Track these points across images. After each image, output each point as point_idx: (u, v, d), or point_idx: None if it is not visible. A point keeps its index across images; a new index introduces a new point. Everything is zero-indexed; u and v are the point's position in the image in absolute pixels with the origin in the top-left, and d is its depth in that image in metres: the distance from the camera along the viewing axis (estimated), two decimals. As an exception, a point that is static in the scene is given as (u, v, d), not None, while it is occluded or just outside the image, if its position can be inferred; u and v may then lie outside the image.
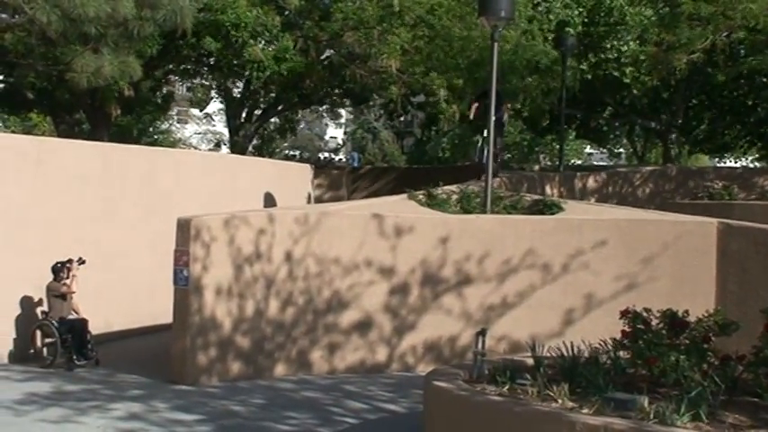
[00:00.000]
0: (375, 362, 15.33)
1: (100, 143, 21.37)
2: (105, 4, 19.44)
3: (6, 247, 15.38)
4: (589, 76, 30.66)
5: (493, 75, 17.72)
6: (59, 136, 30.79)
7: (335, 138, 75.61)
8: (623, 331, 9.79)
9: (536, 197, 18.95)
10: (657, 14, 30.29)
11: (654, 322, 9.70)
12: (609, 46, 30.31)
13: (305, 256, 14.92)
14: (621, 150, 55.60)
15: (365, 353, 15.29)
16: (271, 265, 14.69)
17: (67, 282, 15.35)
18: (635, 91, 32.07)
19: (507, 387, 9.02)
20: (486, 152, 18.50)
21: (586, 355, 10.02)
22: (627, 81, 30.60)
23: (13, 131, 41.61)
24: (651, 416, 7.71)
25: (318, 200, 27.63)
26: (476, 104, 21.25)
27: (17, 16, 22.53)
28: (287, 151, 61.40)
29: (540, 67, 28.31)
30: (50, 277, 15.37)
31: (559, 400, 8.40)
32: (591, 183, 28.72)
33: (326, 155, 67.15)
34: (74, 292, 15.37)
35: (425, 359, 15.38)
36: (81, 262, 15.54)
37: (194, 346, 14.07)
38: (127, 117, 33.33)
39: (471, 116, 21.75)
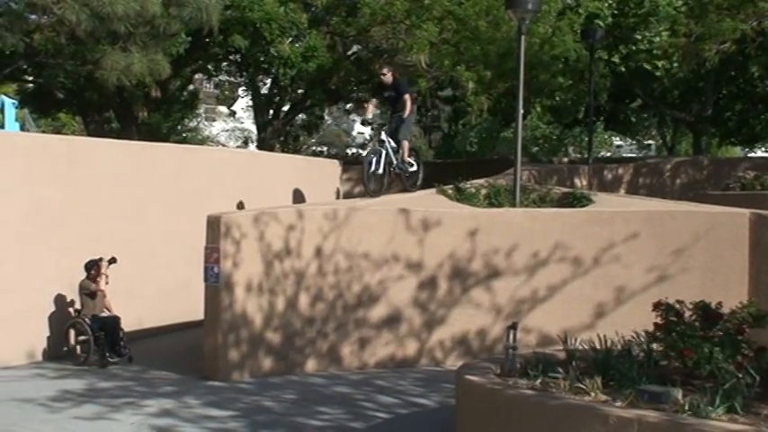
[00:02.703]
0: (405, 356, 15.33)
1: (130, 142, 21.42)
2: (134, 2, 19.58)
3: (39, 245, 15.47)
4: (623, 69, 30.50)
5: (520, 68, 17.68)
6: (89, 135, 30.94)
7: (363, 133, 75.58)
8: (656, 324, 9.75)
9: (565, 190, 18.87)
10: (687, 4, 30.09)
11: (687, 314, 9.65)
12: (640, 37, 30.12)
13: (334, 252, 14.94)
14: (651, 142, 55.33)
15: (395, 347, 15.30)
16: (300, 260, 14.72)
17: (97, 280, 15.44)
18: (665, 82, 31.86)
19: (539, 381, 9.00)
20: (390, 164, 17.21)
21: (619, 347, 9.98)
22: (658, 74, 30.39)
23: (43, 131, 41.82)
24: (685, 408, 7.68)
25: (347, 195, 27.60)
26: (372, 101, 18.78)
27: (46, 17, 22.66)
28: (314, 147, 61.44)
29: (570, 65, 28.22)
30: (83, 275, 15.46)
31: (592, 394, 8.37)
32: (620, 174, 28.59)
33: (354, 150, 67.11)
34: (102, 290, 15.44)
35: (455, 353, 15.38)
36: (112, 261, 15.61)
37: (226, 343, 14.12)
38: (156, 115, 33.44)
39: (369, 115, 19.03)
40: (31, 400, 12.44)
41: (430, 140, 57.20)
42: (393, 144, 17.37)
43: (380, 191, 17.05)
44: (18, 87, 36.96)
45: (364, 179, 16.88)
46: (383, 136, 17.36)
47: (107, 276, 15.55)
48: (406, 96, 17.31)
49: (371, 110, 18.59)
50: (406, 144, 17.59)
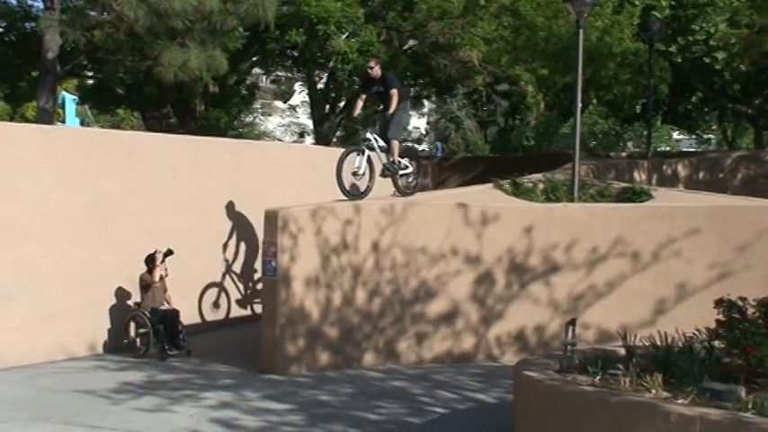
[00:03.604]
0: (462, 351, 15.28)
1: (188, 137, 21.62)
2: (191, -2, 19.73)
3: (100, 239, 15.66)
4: (679, 60, 30.12)
5: (578, 62, 17.55)
6: (147, 130, 31.26)
7: (418, 128, 75.54)
8: (718, 320, 9.61)
9: (624, 185, 18.70)
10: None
11: (749, 311, 9.50)
12: (697, 28, 29.71)
13: (391, 246, 14.93)
14: (711, 136, 54.64)
15: (452, 342, 15.26)
16: (357, 255, 14.73)
17: (153, 273, 15.58)
18: (726, 75, 31.39)
19: (599, 377, 8.92)
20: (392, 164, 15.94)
21: (679, 344, 9.86)
22: (718, 66, 29.95)
23: (102, 127, 42.29)
24: (749, 406, 7.57)
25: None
26: (362, 96, 16.92)
27: (106, 13, 22.92)
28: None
29: (628, 58, 27.96)
30: (143, 268, 15.61)
31: (653, 391, 8.28)
32: (680, 169, 28.26)
33: (410, 145, 67.20)
34: (156, 283, 15.56)
35: (512, 349, 15.30)
36: (168, 253, 15.74)
37: (283, 336, 14.18)
38: (213, 110, 33.68)
39: (355, 112, 17.85)
40: (92, 391, 12.59)
41: (486, 135, 57.02)
42: (382, 143, 15.97)
43: (362, 193, 15.54)
44: (78, 83, 37.49)
45: (337, 179, 15.11)
46: (368, 134, 16.09)
47: (166, 269, 15.69)
48: (393, 91, 15.68)
49: (359, 107, 17.02)
50: (395, 143, 16.03)
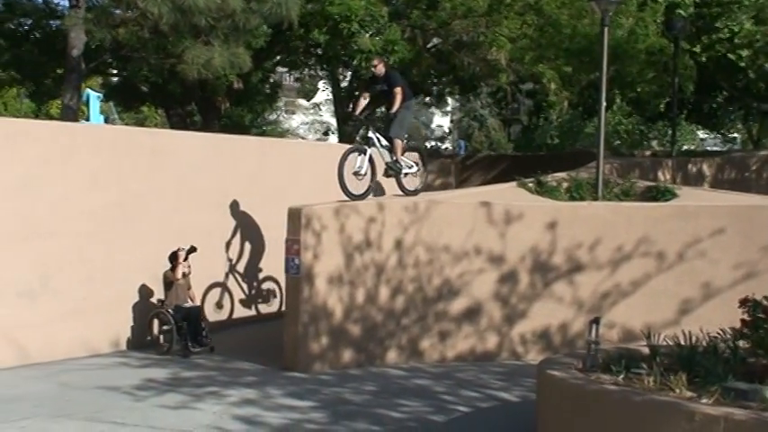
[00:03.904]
0: (485, 350, 15.27)
1: (212, 134, 21.65)
2: (214, -4, 19.77)
3: (124, 236, 15.72)
4: (703, 59, 29.96)
5: (603, 61, 17.49)
6: (171, 128, 31.36)
7: (442, 126, 75.45)
8: (742, 320, 9.55)
9: (649, 183, 18.62)
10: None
11: (775, 311, 9.45)
12: (722, 26, 29.54)
13: (414, 244, 14.92)
14: (736, 135, 54.32)
15: (475, 341, 15.24)
16: (381, 253, 14.73)
17: (175, 270, 15.63)
18: (751, 74, 31.19)
19: (622, 376, 8.87)
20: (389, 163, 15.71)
21: (704, 344, 9.80)
22: (742, 65, 29.77)
23: (126, 124, 42.48)
24: (774, 406, 7.52)
25: (427, 188, 27.56)
26: (365, 95, 16.67)
27: (130, 11, 23.00)
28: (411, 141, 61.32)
29: (653, 56, 27.84)
30: (167, 266, 15.66)
31: (677, 390, 8.22)
32: (705, 168, 28.15)
33: (433, 143, 67.02)
34: (179, 280, 15.60)
35: (536, 348, 15.28)
36: (191, 250, 15.78)
37: (306, 334, 14.20)
38: (237, 108, 33.78)
39: (357, 111, 17.13)
40: (115, 388, 12.64)
41: (509, 133, 56.93)
42: (385, 142, 15.76)
43: (365, 194, 15.22)
44: (103, 81, 37.65)
45: (339, 180, 14.75)
46: (370, 133, 15.71)
47: (189, 266, 15.74)
48: (397, 90, 15.48)
49: (362, 105, 16.66)
50: (398, 143, 15.74)
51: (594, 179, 17.34)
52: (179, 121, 32.74)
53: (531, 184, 17.37)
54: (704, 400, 7.85)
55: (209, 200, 17.27)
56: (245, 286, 18.00)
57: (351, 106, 35.47)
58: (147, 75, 29.55)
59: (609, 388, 8.56)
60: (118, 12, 23.88)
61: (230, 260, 17.63)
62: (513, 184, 17.71)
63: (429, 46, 31.33)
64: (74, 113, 23.14)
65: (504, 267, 15.31)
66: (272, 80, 37.41)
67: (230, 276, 17.74)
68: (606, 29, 17.56)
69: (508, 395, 12.75)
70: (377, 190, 16.40)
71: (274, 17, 22.29)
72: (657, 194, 17.16)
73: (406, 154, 16.18)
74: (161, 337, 15.72)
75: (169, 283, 15.65)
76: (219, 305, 17.60)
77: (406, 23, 29.43)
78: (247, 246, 17.87)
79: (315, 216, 14.28)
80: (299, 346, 14.21)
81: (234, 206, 17.64)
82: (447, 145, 65.75)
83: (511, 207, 15.47)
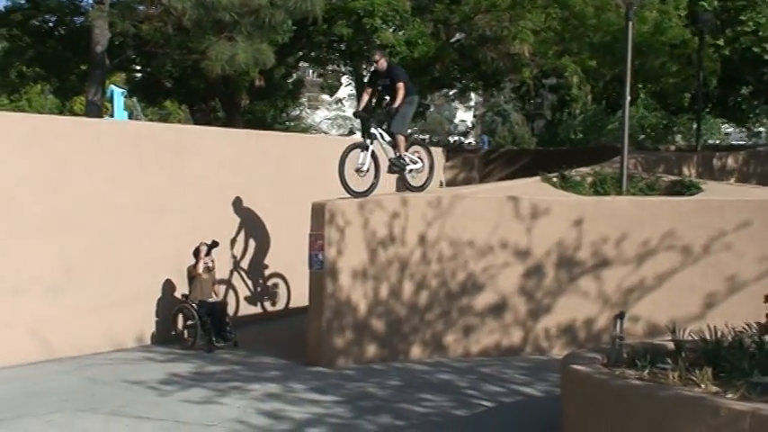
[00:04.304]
0: (509, 344, 15.22)
1: (235, 130, 21.70)
2: (238, -9, 19.79)
3: (149, 232, 15.77)
4: (726, 52, 29.78)
5: (628, 55, 17.41)
6: (195, 124, 31.46)
7: (465, 121, 75.40)
8: (768, 315, 9.50)
9: (674, 178, 18.55)
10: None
11: (801, 305, 9.38)
12: (746, 19, 29.34)
13: (438, 239, 14.89)
14: (761, 129, 53.96)
15: (500, 335, 15.20)
16: (404, 248, 14.71)
17: (197, 265, 15.67)
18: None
19: (647, 371, 8.82)
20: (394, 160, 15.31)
21: (729, 339, 9.74)
22: (767, 58, 29.59)
23: (150, 120, 42.61)
24: (800, 401, 7.47)
25: (451, 183, 27.56)
26: (367, 90, 16.12)
27: (154, 7, 23.08)
28: (417, 135, 61.42)
29: (677, 49, 27.71)
30: (191, 261, 15.70)
31: (702, 385, 8.17)
32: (730, 162, 27.96)
33: (456, 138, 66.94)
34: (202, 275, 15.64)
35: (560, 342, 15.22)
36: (214, 245, 15.82)
37: (330, 329, 14.20)
38: (260, 104, 33.83)
39: (360, 107, 16.55)
40: (140, 382, 12.70)
41: (533, 128, 56.80)
42: (388, 138, 15.38)
43: (368, 191, 14.85)
44: (127, 77, 37.78)
45: (339, 177, 14.48)
46: (373, 129, 15.27)
47: (212, 261, 15.77)
48: (399, 84, 15.03)
49: (364, 100, 16.20)
50: (400, 138, 15.35)
51: (619, 174, 17.27)
52: (202, 117, 32.83)
53: (555, 179, 17.34)
54: (730, 396, 7.79)
55: (233, 195, 17.29)
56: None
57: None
58: (171, 70, 29.65)
59: (634, 383, 8.52)
60: (141, 8, 23.98)
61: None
62: (537, 178, 17.67)
63: (452, 41, 31.27)
64: (98, 109, 23.25)
65: (528, 262, 15.26)
66: (294, 76, 37.44)
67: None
68: (630, 23, 17.48)
69: (532, 390, 12.71)
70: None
71: (299, 12, 22.30)
72: (683, 189, 17.10)
73: (412, 150, 15.83)
74: (185, 331, 15.77)
75: (192, 277, 15.70)
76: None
77: (429, 18, 29.39)
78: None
79: (339, 211, 14.28)
80: (322, 341, 14.22)
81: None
82: (470, 140, 65.65)
83: (535, 202, 15.42)
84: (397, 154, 15.40)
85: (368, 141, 15.13)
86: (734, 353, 9.02)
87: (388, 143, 15.44)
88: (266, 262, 17.93)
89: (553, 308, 15.31)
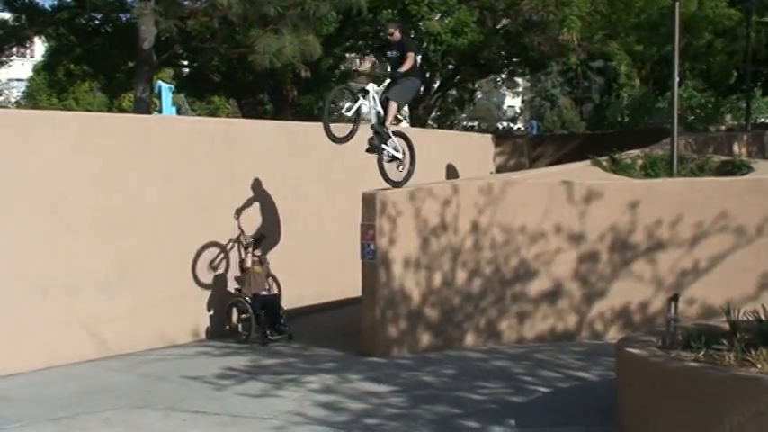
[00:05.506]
0: (564, 330, 15.19)
1: (284, 122, 21.76)
2: (283, -16, 19.85)
3: (200, 227, 15.87)
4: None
5: (675, 37, 17.26)
6: (243, 117, 31.59)
7: (513, 107, 75.17)
8: (824, 293, 9.40)
9: (724, 158, 18.36)
10: None
11: None
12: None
13: (490, 226, 14.87)
14: (812, 106, 53.27)
15: (554, 321, 15.17)
16: (456, 235, 14.71)
17: (245, 258, 15.79)
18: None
19: (703, 353, 8.77)
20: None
21: (786, 318, 9.65)
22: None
23: (198, 115, 42.89)
24: None
25: (500, 169, 27.48)
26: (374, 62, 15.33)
27: (199, 2, 23.21)
28: (465, 122, 61.32)
29: (725, 29, 27.41)
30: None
31: (759, 365, 8.12)
32: (781, 141, 27.60)
33: (505, 124, 66.78)
34: (252, 269, 15.72)
35: (615, 326, 15.15)
36: (261, 238, 15.93)
37: (384, 319, 14.24)
38: (307, 96, 33.92)
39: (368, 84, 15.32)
40: (196, 377, 12.81)
41: (581, 112, 56.46)
42: (380, 108, 14.90)
43: (348, 136, 14.62)
44: (174, 72, 38.05)
45: (323, 121, 14.50)
46: (369, 86, 14.92)
47: (259, 254, 15.87)
48: (410, 54, 14.64)
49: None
50: (393, 106, 14.82)
51: (669, 156, 17.14)
52: (250, 110, 32.98)
53: (605, 163, 17.23)
54: (787, 375, 7.74)
55: (282, 188, 17.36)
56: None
57: (422, 90, 35.45)
58: (218, 65, 29.80)
59: (689, 365, 8.48)
60: (187, 3, 24.12)
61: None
62: (587, 162, 17.58)
63: (498, 27, 31.15)
64: (146, 106, 23.43)
65: (582, 247, 15.20)
66: (342, 67, 37.49)
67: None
68: (677, 3, 17.33)
69: (588, 374, 12.67)
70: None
71: (344, 4, 22.31)
72: (733, 169, 16.93)
73: (396, 139, 15.30)
74: (239, 325, 15.87)
75: (243, 271, 15.81)
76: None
77: (475, 5, 29.28)
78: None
79: (389, 201, 14.31)
80: (376, 331, 14.26)
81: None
82: (519, 125, 65.41)
83: (587, 186, 15.34)
84: (382, 121, 14.95)
85: (360, 94, 14.80)
86: (790, 332, 8.95)
87: (377, 114, 14.96)
88: (315, 253, 17.98)
89: (607, 292, 15.24)
